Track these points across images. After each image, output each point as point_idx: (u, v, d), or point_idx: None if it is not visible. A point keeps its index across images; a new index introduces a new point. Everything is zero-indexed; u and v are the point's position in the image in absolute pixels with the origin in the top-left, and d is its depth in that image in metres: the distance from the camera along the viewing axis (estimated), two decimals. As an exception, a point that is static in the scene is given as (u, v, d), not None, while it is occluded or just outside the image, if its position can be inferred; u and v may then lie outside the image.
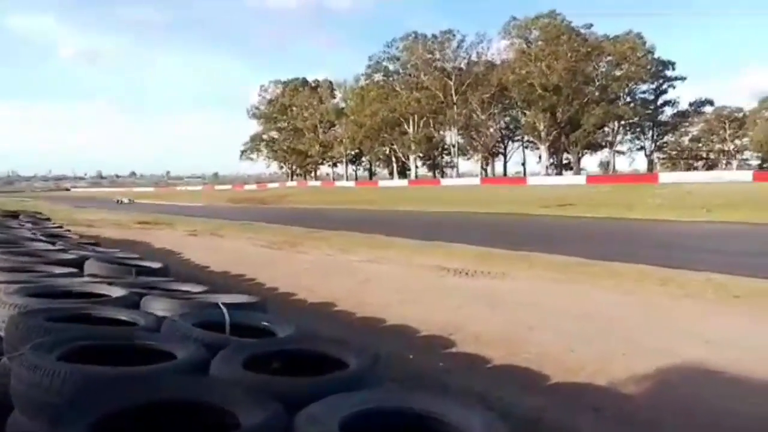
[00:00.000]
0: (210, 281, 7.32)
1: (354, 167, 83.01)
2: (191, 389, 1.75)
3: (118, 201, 51.95)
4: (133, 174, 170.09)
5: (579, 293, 6.88)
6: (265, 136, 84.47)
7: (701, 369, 4.11)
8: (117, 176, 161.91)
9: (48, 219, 14.88)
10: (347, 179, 74.66)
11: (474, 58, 61.46)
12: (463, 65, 61.26)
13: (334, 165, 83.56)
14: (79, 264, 4.92)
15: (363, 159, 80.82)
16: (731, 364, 4.11)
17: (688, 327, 5.25)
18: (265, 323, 2.78)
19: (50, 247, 6.37)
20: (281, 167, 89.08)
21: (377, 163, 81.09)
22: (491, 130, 63.95)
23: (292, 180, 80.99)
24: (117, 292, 3.45)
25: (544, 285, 7.43)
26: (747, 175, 37.06)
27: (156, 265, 5.39)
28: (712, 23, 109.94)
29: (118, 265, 5.00)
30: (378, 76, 66.39)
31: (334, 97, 76.96)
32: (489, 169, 69.60)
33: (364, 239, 13.43)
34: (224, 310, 2.67)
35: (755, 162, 69.98)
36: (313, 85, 79.35)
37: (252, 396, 1.69)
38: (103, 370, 1.91)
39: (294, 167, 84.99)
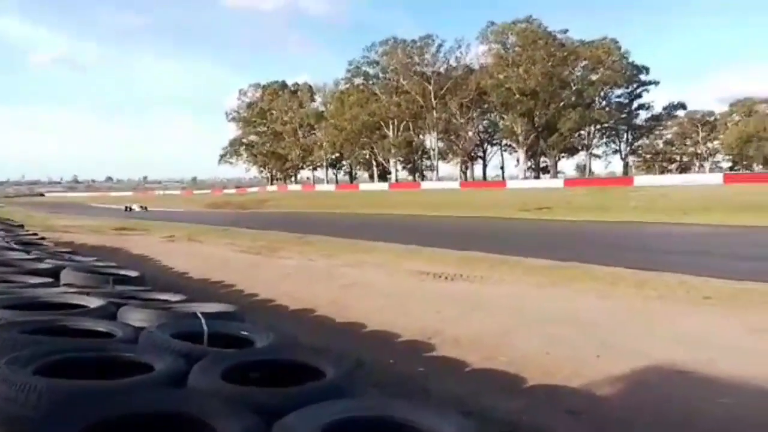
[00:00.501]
0: (188, 289, 7.27)
1: (334, 171, 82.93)
2: (169, 401, 1.76)
3: (127, 209, 44.70)
4: (109, 179, 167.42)
5: (556, 296, 6.99)
6: (244, 140, 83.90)
7: (674, 370, 4.22)
8: (93, 181, 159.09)
9: (21, 226, 14.58)
10: (328, 183, 74.56)
11: (453, 62, 62.04)
12: (442, 70, 61.73)
13: (315, 169, 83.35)
14: (54, 273, 4.85)
15: (343, 163, 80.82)
16: (702, 364, 4.23)
17: (661, 328, 5.38)
18: (244, 333, 2.79)
19: (24, 255, 6.26)
20: (261, 171, 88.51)
21: (358, 167, 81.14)
22: (470, 134, 64.53)
23: (272, 184, 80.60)
24: (94, 302, 3.41)
25: (522, 288, 7.52)
26: (718, 178, 38.00)
27: (133, 273, 5.33)
28: (684, 29, 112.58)
29: (95, 274, 4.94)
30: (358, 80, 66.56)
31: (314, 101, 76.87)
32: (468, 172, 70.12)
33: (345, 244, 13.44)
34: (202, 320, 2.67)
35: (726, 164, 71.85)
36: (292, 89, 79.11)
37: (230, 407, 1.70)
38: (79, 383, 1.91)
39: (274, 171, 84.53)
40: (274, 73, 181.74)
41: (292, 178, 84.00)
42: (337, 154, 74.56)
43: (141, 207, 46.69)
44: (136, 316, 3.04)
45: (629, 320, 5.73)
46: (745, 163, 69.76)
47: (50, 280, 4.58)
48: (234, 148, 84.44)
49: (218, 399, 1.77)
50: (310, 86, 77.38)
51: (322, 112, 72.99)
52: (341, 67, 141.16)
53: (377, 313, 6.26)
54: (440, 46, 61.04)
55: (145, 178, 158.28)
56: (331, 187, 65.72)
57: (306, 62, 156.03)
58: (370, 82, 65.96)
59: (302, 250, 12.51)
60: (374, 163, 70.42)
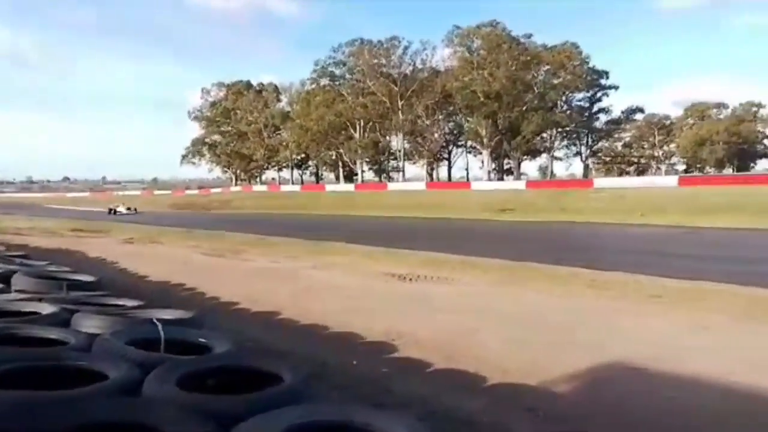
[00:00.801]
0: (148, 293, 7.12)
1: (300, 172, 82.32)
2: (123, 411, 1.74)
3: (111, 211, 38.88)
4: (66, 179, 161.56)
5: (517, 296, 7.15)
6: (207, 140, 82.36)
7: (627, 366, 4.38)
8: (48, 181, 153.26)
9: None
10: (293, 184, 73.96)
11: (419, 64, 62.47)
12: (408, 72, 62.07)
13: (280, 169, 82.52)
14: (5, 279, 4.68)
15: (309, 163, 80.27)
16: (652, 360, 4.41)
17: (614, 326, 5.57)
18: (202, 339, 2.76)
19: (-28, 260, 6.01)
20: (225, 172, 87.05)
21: (324, 168, 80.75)
22: (436, 135, 65.08)
23: (236, 185, 79.41)
24: (46, 309, 3.32)
25: (484, 289, 7.67)
26: (673, 180, 39.40)
27: (89, 278, 5.19)
28: (642, 37, 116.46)
29: (48, 279, 4.79)
30: (324, 81, 66.26)
31: (280, 101, 76.15)
32: (434, 173, 70.71)
33: (310, 246, 13.38)
34: (159, 326, 2.63)
35: (681, 167, 74.66)
36: (257, 88, 78.13)
37: (185, 415, 1.69)
38: (30, 394, 1.86)
39: (238, 172, 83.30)
40: (238, 73, 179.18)
41: (257, 179, 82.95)
42: (303, 155, 74.07)
43: (129, 209, 40.16)
44: (90, 323, 2.97)
45: (585, 319, 5.91)
46: (698, 165, 72.63)
47: (0, 285, 4.42)
48: (197, 148, 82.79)
49: (173, 407, 1.75)
50: (276, 86, 76.64)
51: (288, 112, 72.40)
52: (307, 67, 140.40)
53: (341, 314, 6.26)
54: (406, 48, 61.41)
55: (103, 178, 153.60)
56: (297, 188, 65.22)
57: (271, 62, 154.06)
58: (337, 82, 65.80)
59: (266, 251, 12.40)
60: (340, 163, 70.28)
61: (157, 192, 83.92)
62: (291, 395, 1.98)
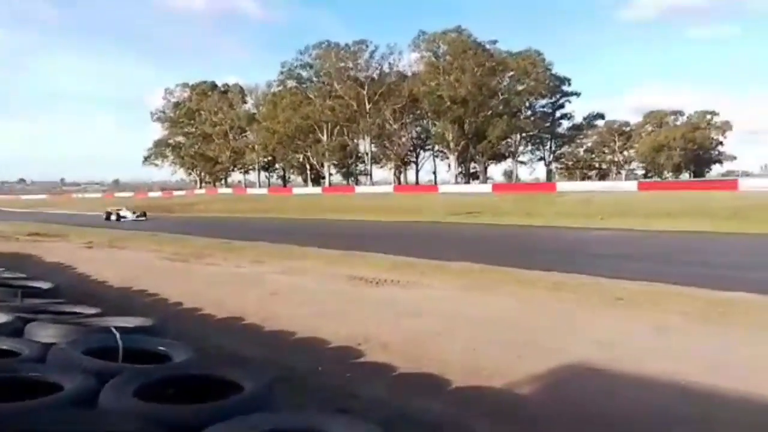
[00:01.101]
0: (107, 300, 6.94)
1: (267, 174, 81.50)
2: (78, 423, 1.69)
3: (110, 216, 32.04)
4: (22, 181, 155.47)
5: (482, 300, 7.25)
6: (170, 141, 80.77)
7: (588, 368, 4.49)
8: (3, 183, 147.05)
9: None
10: (260, 187, 73.14)
11: (386, 68, 62.79)
12: (375, 75, 62.29)
13: (246, 172, 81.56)
14: (-47, 286, 4.49)
15: (276, 166, 79.59)
16: (614, 362, 4.53)
17: (578, 329, 5.70)
18: (162, 348, 2.71)
19: None
20: (189, 174, 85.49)
21: (291, 171, 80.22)
22: (403, 139, 65.44)
23: (200, 187, 78.04)
24: (-2, 318, 3.19)
25: (450, 292, 7.73)
26: (633, 185, 40.65)
27: (45, 285, 5.02)
28: (604, 45, 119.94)
29: (1, 286, 4.61)
30: (291, 83, 65.86)
31: (246, 103, 75.27)
32: (402, 177, 71.06)
33: (276, 249, 13.25)
34: (117, 335, 2.57)
35: (641, 172, 77.09)
36: (222, 89, 77.08)
37: (142, 426, 1.66)
38: (-22, 407, 1.79)
39: (202, 174, 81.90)
40: (202, 73, 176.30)
41: (222, 181, 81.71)
42: (270, 158, 73.38)
43: (136, 213, 32.84)
44: (44, 333, 2.88)
45: (549, 321, 6.03)
46: (657, 170, 75.11)
47: (-52, 294, 4.24)
48: (159, 149, 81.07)
49: (130, 418, 1.71)
50: (242, 87, 75.74)
51: (254, 114, 71.66)
52: (273, 69, 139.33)
53: (307, 320, 6.22)
54: (373, 52, 61.66)
55: (62, 180, 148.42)
56: (264, 191, 64.57)
57: (236, 63, 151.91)
58: (304, 85, 65.49)
59: (231, 256, 12.22)
60: (308, 166, 69.92)
61: (118, 194, 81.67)
62: (251, 403, 1.96)
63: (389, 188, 53.20)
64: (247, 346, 5.30)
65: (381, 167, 72.08)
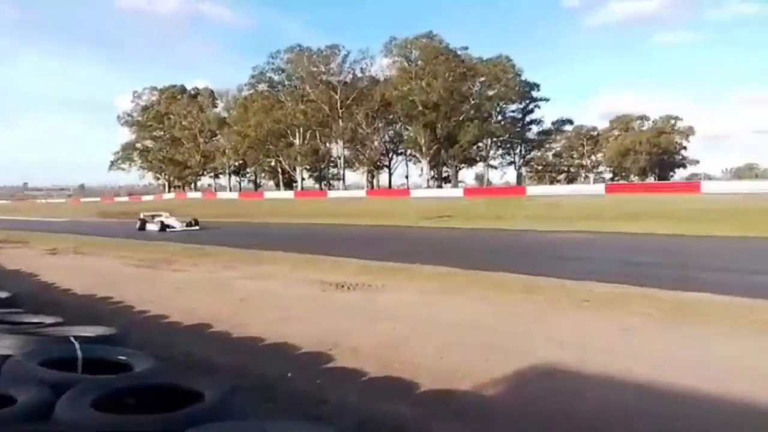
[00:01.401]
0: (69, 308, 6.76)
1: (238, 179, 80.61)
2: (30, 436, 1.64)
3: (148, 225, 24.88)
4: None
5: (452, 303, 7.31)
6: (138, 145, 79.17)
7: (555, 369, 4.58)
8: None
9: None
10: (230, 191, 72.27)
11: (358, 73, 62.88)
12: (348, 80, 62.31)
13: (216, 176, 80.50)
14: None
15: (248, 170, 78.77)
16: (581, 363, 4.63)
17: (546, 331, 5.80)
18: (122, 357, 2.65)
19: None
20: (157, 178, 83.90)
21: (263, 175, 79.47)
22: (376, 143, 65.58)
23: (169, 192, 76.63)
24: (-49, 329, 3.08)
25: (420, 296, 7.78)
26: (600, 188, 41.56)
27: (2, 294, 4.86)
28: (572, 52, 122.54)
29: (-46, 296, 4.45)
30: (263, 87, 65.36)
31: (216, 107, 74.39)
32: (375, 181, 71.17)
33: (245, 255, 13.11)
34: (76, 344, 2.50)
35: (608, 175, 78.92)
36: (192, 93, 76.01)
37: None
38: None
39: (171, 178, 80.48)
40: (172, 77, 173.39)
41: (192, 186, 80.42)
42: (241, 162, 72.60)
43: (185, 221, 24.88)
44: (0, 344, 2.78)
45: (517, 324, 6.12)
46: (623, 174, 77.00)
47: None
48: (127, 153, 79.40)
49: (86, 430, 1.67)
50: (212, 91, 74.90)
51: (225, 117, 70.85)
52: (243, 72, 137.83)
53: (276, 325, 6.18)
54: (346, 56, 61.68)
55: (25, 184, 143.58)
56: (235, 195, 63.78)
57: (207, 66, 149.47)
58: (275, 89, 65.07)
59: (201, 261, 12.05)
60: (280, 171, 69.41)
61: (84, 199, 79.60)
62: (212, 412, 1.94)
63: (362, 192, 53.23)
64: (216, 353, 5.23)
65: (354, 171, 72.11)
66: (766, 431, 3.50)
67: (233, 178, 78.18)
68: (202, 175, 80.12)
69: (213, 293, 8.43)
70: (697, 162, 79.59)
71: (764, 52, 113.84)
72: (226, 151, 69.11)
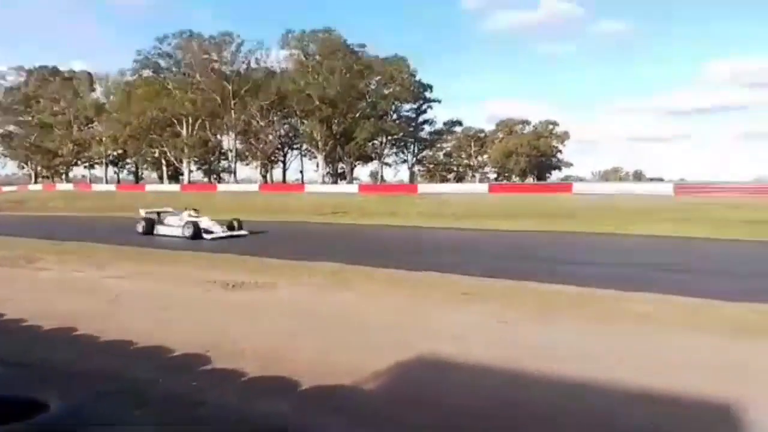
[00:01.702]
0: None
1: (116, 170, 74.85)
2: None
3: (158, 228, 17.78)
4: None
5: (340, 299, 7.32)
6: (0, 131, 70.74)
7: (432, 360, 4.74)
8: None
9: None
10: (107, 183, 66.96)
11: (253, 64, 60.98)
12: (242, 70, 60.24)
13: (92, 166, 74.13)
14: None
15: (128, 161, 73.42)
16: (456, 353, 4.83)
17: (425, 324, 6.00)
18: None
19: None
20: (22, 167, 75.58)
21: (145, 166, 74.52)
22: (271, 137, 64.14)
23: (36, 182, 69.37)
24: None
25: (308, 294, 7.70)
26: (485, 188, 44.02)
27: None
28: (463, 55, 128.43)
29: None
30: (147, 73, 61.20)
31: (94, 91, 68.46)
32: (268, 175, 69.57)
33: (120, 252, 12.21)
34: None
35: (493, 175, 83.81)
36: (67, 75, 69.30)
37: None
38: None
39: (39, 168, 72.92)
40: (43, 57, 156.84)
41: (63, 176, 73.41)
42: (121, 151, 67.43)
43: (234, 226, 17.35)
44: None
45: (400, 318, 6.27)
46: (506, 174, 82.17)
47: None
48: (-14, 139, 70.70)
49: None
50: (90, 74, 68.78)
51: (104, 104, 65.47)
52: (127, 56, 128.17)
53: (150, 328, 5.80)
54: (240, 45, 59.55)
55: None
56: (112, 187, 59.12)
57: (84, 47, 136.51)
58: (162, 75, 61.20)
59: (67, 259, 11.01)
60: (164, 162, 65.44)
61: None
62: (57, 423, 1.76)
63: (254, 187, 51.74)
64: (79, 359, 4.80)
65: (246, 165, 69.99)
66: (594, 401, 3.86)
67: (111, 168, 72.53)
68: (75, 164, 73.38)
69: (80, 294, 7.74)
70: (571, 165, 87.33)
71: (631, 66, 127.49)
72: (103, 139, 63.89)
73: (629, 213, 22.52)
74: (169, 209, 19.13)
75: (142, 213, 19.00)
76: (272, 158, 68.28)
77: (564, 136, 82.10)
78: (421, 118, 72.43)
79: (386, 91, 64.08)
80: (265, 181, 64.60)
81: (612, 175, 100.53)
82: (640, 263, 10.82)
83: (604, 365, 4.51)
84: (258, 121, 61.10)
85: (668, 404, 3.82)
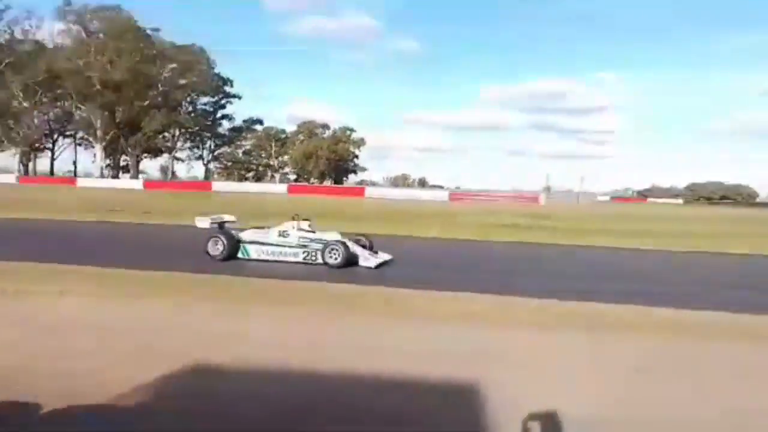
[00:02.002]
0: None
1: None
2: None
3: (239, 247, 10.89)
4: None
5: (105, 307, 6.68)
6: None
7: (205, 367, 4.63)
8: None
9: None
10: None
11: (19, 34, 51.89)
12: (2, 40, 50.84)
13: None
14: None
15: None
16: (235, 359, 4.79)
17: (206, 328, 5.82)
18: None
19: None
20: None
21: None
22: (36, 121, 55.35)
23: None
24: None
25: (67, 302, 6.85)
26: (284, 188, 44.29)
27: None
28: (266, 54, 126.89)
29: None
30: None
31: None
32: (31, 165, 59.86)
33: None
34: None
35: (293, 176, 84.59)
36: None
37: None
38: None
39: None
40: None
41: None
42: None
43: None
44: None
45: (176, 327, 5.97)
46: (306, 176, 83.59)
47: None
48: None
49: None
50: None
51: None
52: None
53: None
54: (2, 11, 50.17)
55: None
56: None
57: None
58: None
59: None
60: None
61: None
62: None
63: (11, 178, 43.97)
64: None
65: (2, 152, 59.19)
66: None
67: None
68: None
69: None
70: (366, 169, 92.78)
71: (421, 82, 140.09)
72: None
73: (410, 216, 24.71)
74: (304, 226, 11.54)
75: (207, 220, 11.73)
76: (38, 146, 58.94)
77: (360, 143, 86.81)
78: (219, 113, 69.89)
79: (182, 81, 60.22)
80: (26, 173, 55.48)
81: (401, 180, 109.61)
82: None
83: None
84: (20, 101, 52.17)
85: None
